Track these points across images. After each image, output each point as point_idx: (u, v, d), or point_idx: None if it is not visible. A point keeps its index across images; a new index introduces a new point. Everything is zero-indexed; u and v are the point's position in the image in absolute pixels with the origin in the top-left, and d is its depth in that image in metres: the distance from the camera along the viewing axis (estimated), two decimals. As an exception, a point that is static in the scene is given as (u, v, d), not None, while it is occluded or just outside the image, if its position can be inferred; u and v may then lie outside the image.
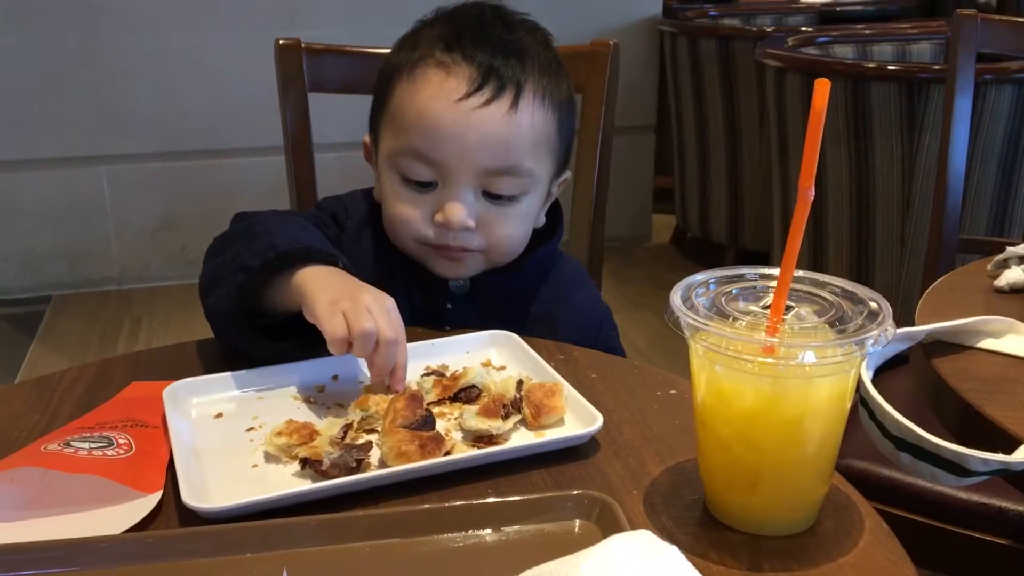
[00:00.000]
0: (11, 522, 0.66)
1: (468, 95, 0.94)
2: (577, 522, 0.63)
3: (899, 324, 0.90)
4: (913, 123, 2.28)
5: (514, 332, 0.92)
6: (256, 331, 0.87)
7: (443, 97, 0.94)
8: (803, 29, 3.16)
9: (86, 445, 0.70)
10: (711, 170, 3.31)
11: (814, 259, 2.56)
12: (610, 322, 1.12)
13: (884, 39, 2.91)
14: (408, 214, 0.98)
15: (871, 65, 2.41)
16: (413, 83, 0.97)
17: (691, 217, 3.48)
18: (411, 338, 0.91)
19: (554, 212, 1.09)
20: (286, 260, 0.85)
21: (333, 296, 0.81)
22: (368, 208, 1.07)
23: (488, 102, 0.94)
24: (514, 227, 1.00)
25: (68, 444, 0.70)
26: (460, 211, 0.95)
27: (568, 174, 1.08)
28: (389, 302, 0.83)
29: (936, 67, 2.37)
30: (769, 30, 3.17)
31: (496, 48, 0.96)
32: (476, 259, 1.01)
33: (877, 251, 2.44)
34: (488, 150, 0.94)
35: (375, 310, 0.80)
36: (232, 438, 0.77)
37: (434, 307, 1.03)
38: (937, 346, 0.91)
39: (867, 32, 2.96)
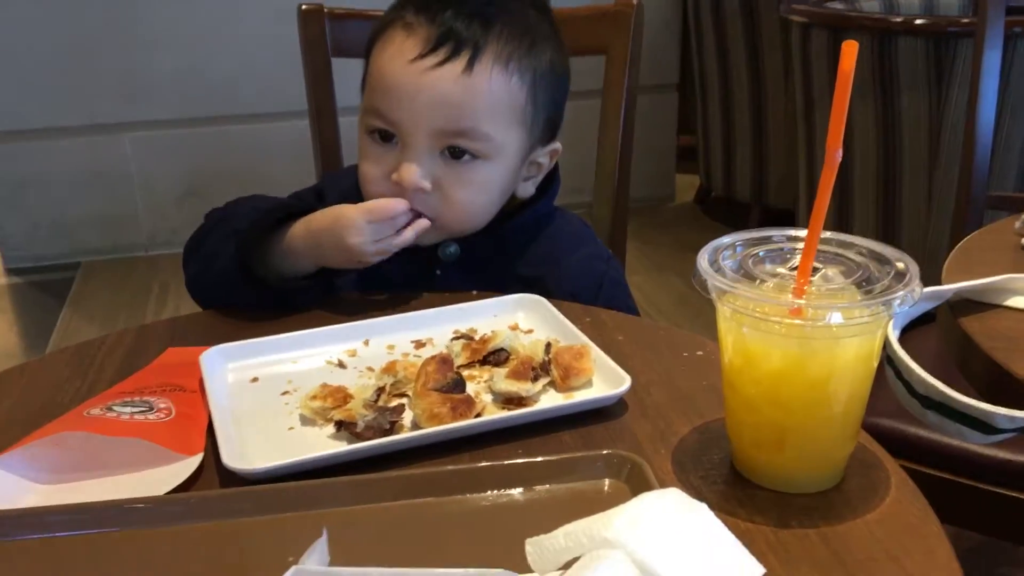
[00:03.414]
0: (58, 484, 0.68)
1: (422, 56, 0.95)
2: (607, 481, 0.65)
3: (926, 282, 0.90)
4: (941, 78, 2.25)
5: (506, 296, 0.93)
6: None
7: (400, 57, 0.96)
8: (829, -17, 3.11)
9: (128, 410, 0.72)
10: (735, 128, 3.29)
11: (839, 216, 2.54)
12: (613, 280, 1.08)
13: (911, -8, 2.86)
14: (370, 171, 0.99)
15: (898, 19, 2.38)
16: (382, 43, 0.99)
17: (715, 176, 3.45)
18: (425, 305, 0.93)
19: (548, 172, 1.08)
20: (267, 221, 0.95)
21: (336, 255, 0.94)
22: (355, 180, 1.06)
23: (442, 63, 0.94)
24: (472, 193, 0.98)
25: (110, 409, 0.72)
26: (414, 171, 0.95)
27: (557, 144, 1.06)
28: (346, 220, 0.92)
29: (965, 20, 2.33)
30: (794, -15, 3.12)
31: (460, 11, 0.96)
32: (432, 228, 0.99)
33: (904, 208, 2.42)
34: (439, 111, 0.94)
35: (363, 239, 0.92)
36: (268, 402, 0.78)
37: (423, 273, 1.04)
38: (964, 304, 0.91)
39: (894, -15, 2.91)
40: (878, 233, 2.48)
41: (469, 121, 0.95)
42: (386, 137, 0.98)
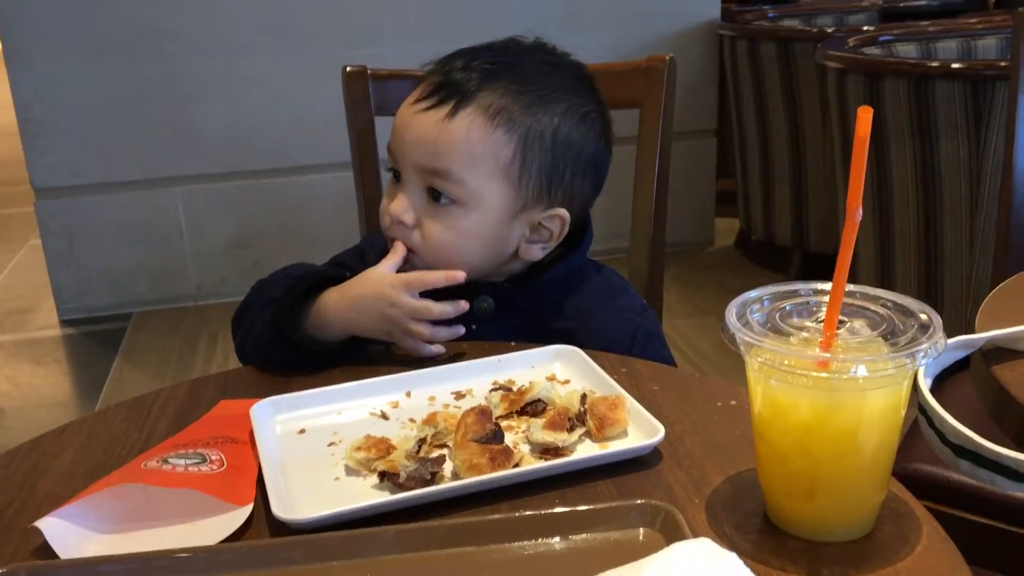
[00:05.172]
0: (116, 534, 0.71)
1: (417, 100, 1.03)
2: (641, 530, 0.66)
3: (970, 328, 0.91)
4: (980, 121, 2.25)
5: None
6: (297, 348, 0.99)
7: (407, 101, 1.05)
8: (864, 28, 3.14)
9: (182, 462, 0.75)
10: (774, 172, 3.30)
11: (882, 261, 2.53)
12: (647, 332, 1.09)
13: (948, 35, 2.87)
14: (383, 204, 1.07)
15: (934, 64, 2.39)
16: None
17: (755, 220, 3.47)
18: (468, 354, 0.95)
19: (581, 224, 1.10)
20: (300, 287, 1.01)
21: (371, 324, 0.98)
22: None
23: (429, 108, 1.01)
24: (448, 235, 1.02)
25: (166, 461, 0.75)
26: (401, 203, 1.03)
27: (561, 210, 1.04)
28: (388, 289, 0.97)
29: (1002, 64, 2.34)
30: (830, 31, 3.15)
31: (468, 64, 1.03)
32: (416, 264, 1.03)
33: (946, 253, 2.41)
34: (419, 149, 1.01)
35: (402, 311, 0.97)
36: (315, 452, 0.81)
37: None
38: (998, 352, 0.91)
39: (931, 29, 2.93)
40: (921, 278, 2.47)
41: (443, 162, 1.00)
42: (398, 176, 1.05)
